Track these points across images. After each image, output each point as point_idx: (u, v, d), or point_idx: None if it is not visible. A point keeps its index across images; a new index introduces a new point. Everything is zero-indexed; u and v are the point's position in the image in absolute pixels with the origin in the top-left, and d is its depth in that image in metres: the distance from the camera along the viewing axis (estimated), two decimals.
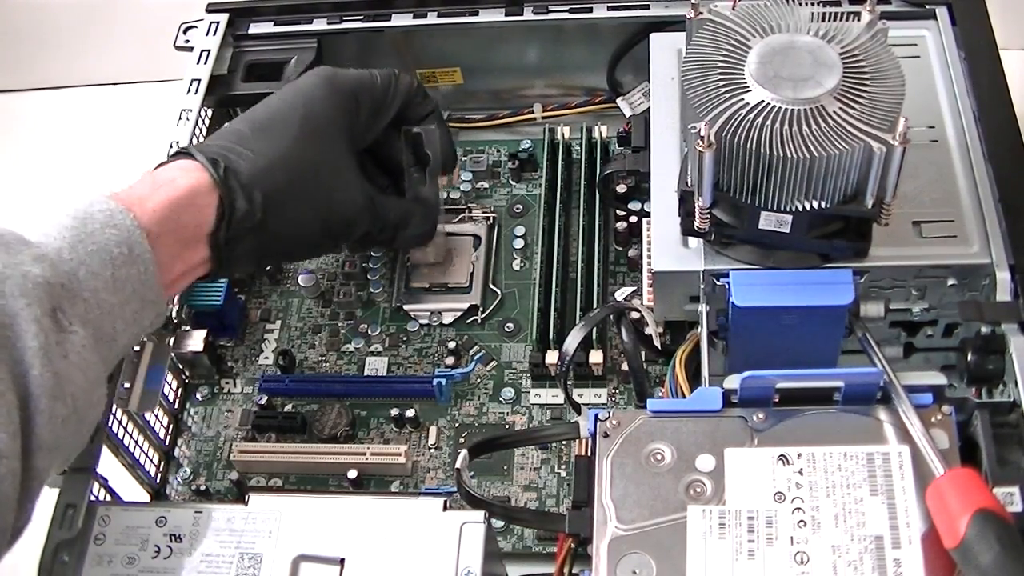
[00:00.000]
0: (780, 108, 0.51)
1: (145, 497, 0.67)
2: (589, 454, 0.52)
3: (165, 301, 0.56)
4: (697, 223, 0.55)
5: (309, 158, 0.62)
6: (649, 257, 0.64)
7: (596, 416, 0.52)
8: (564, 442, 0.66)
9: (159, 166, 0.59)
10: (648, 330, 0.63)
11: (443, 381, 0.69)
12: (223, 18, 0.78)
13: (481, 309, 0.74)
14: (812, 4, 0.55)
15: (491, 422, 0.69)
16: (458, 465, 0.54)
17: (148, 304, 0.54)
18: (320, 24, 0.78)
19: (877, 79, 0.52)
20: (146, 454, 0.67)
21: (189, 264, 0.58)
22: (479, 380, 0.71)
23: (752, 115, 0.51)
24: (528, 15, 0.76)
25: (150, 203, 0.55)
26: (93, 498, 0.56)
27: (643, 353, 0.63)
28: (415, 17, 0.77)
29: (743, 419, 0.51)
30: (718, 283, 0.57)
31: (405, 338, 0.74)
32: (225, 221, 0.58)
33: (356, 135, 0.66)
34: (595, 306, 0.70)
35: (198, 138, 0.74)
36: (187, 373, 0.74)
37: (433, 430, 0.69)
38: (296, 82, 0.66)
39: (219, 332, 0.74)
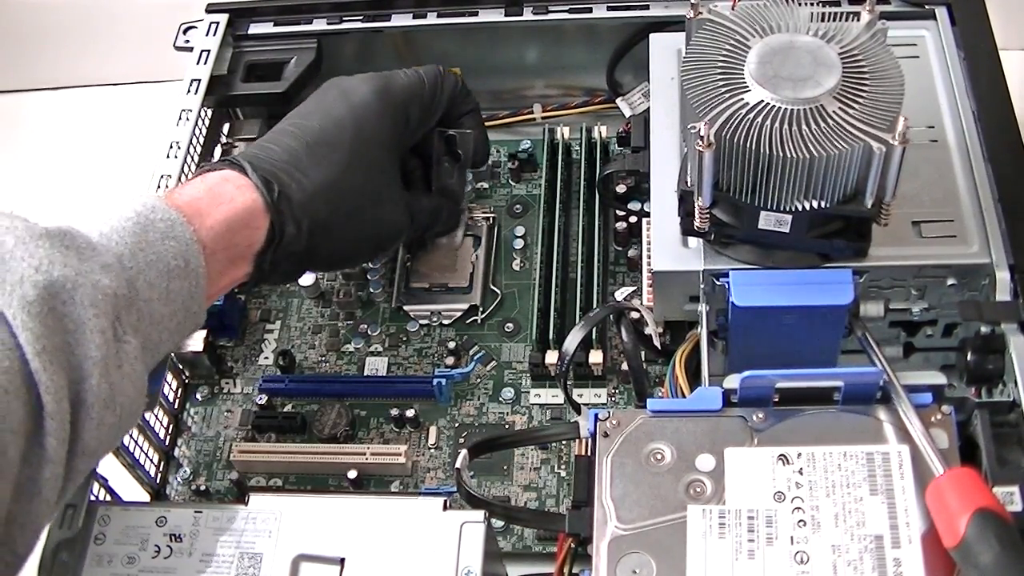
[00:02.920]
0: (780, 108, 0.51)
1: (145, 497, 0.67)
2: (589, 454, 0.52)
3: (205, 313, 0.56)
4: (697, 223, 0.55)
5: (357, 184, 0.62)
6: (649, 257, 0.64)
7: (596, 416, 0.52)
8: (564, 442, 0.66)
9: (209, 170, 0.59)
10: (648, 330, 0.63)
11: (443, 381, 0.69)
12: (223, 18, 0.78)
13: (481, 309, 0.74)
14: (812, 4, 0.55)
15: (491, 422, 0.69)
16: (458, 465, 0.54)
17: (191, 316, 0.54)
18: (320, 24, 0.78)
19: (877, 79, 0.52)
20: (146, 454, 0.67)
21: (232, 279, 0.58)
22: (479, 380, 0.71)
23: (752, 115, 0.51)
24: (528, 15, 0.76)
25: (209, 219, 0.55)
26: (93, 498, 0.56)
27: (643, 353, 0.63)
28: (415, 17, 0.77)
29: (743, 419, 0.51)
30: (718, 283, 0.57)
31: (405, 338, 0.74)
32: (274, 245, 0.58)
33: (403, 144, 0.66)
34: (595, 306, 0.70)
35: (198, 138, 0.74)
36: (187, 373, 0.74)
37: (433, 430, 0.69)
38: (349, 91, 0.64)
39: (219, 332, 0.74)
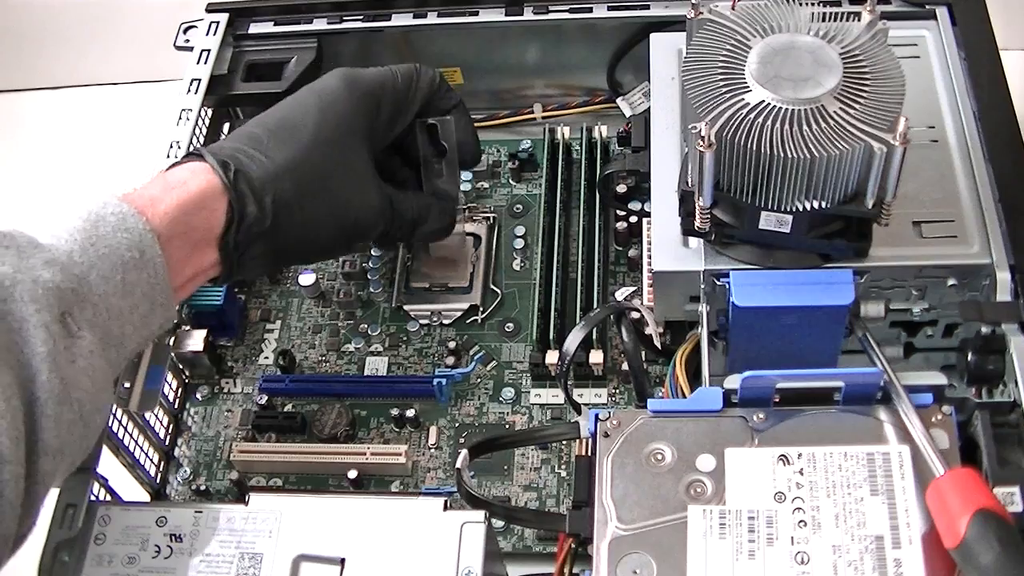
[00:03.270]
0: (780, 108, 0.51)
1: (145, 497, 0.67)
2: (589, 454, 0.52)
3: (174, 304, 0.56)
4: (697, 223, 0.55)
5: (322, 164, 0.61)
6: (649, 257, 0.64)
7: (596, 416, 0.52)
8: (564, 442, 0.66)
9: (171, 167, 0.59)
10: (648, 330, 0.63)
11: (443, 381, 0.69)
12: (223, 18, 0.78)
13: (481, 309, 0.74)
14: (812, 4, 0.55)
15: (491, 422, 0.69)
16: (458, 465, 0.54)
17: (157, 307, 0.54)
18: (320, 24, 0.78)
19: (877, 79, 0.52)
20: (146, 454, 0.67)
21: (198, 267, 0.57)
22: (479, 380, 0.71)
23: (752, 115, 0.51)
24: (528, 15, 0.76)
25: (161, 206, 0.55)
26: (93, 498, 0.56)
27: (643, 353, 0.63)
28: (415, 17, 0.77)
29: (743, 419, 0.51)
30: (718, 283, 0.57)
31: (405, 338, 0.74)
32: (235, 225, 0.57)
33: (376, 136, 0.65)
34: (595, 306, 0.70)
35: (198, 138, 0.74)
36: (187, 373, 0.74)
37: (433, 430, 0.69)
38: (314, 84, 0.65)
39: (219, 332, 0.74)
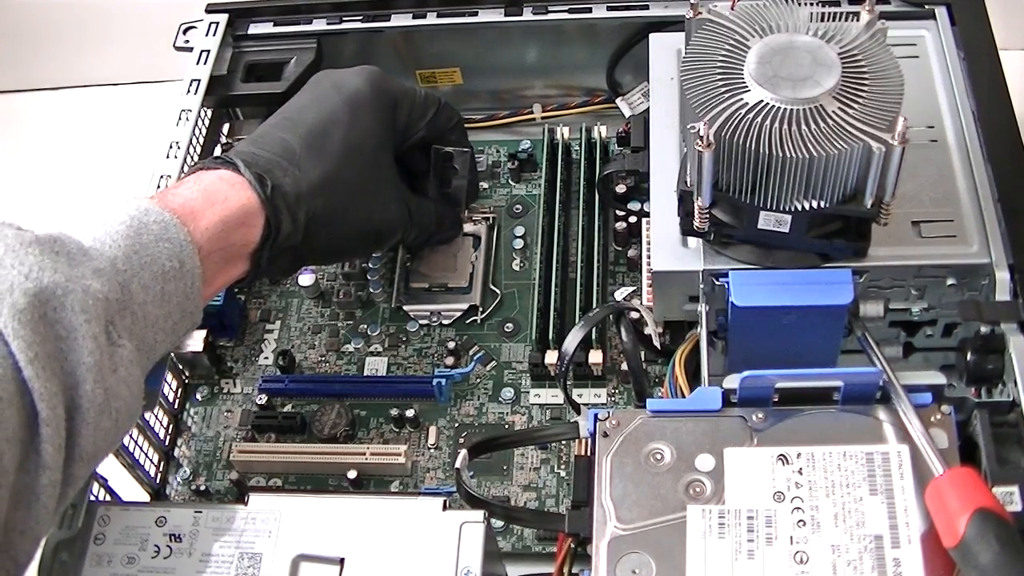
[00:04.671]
0: (779, 108, 0.51)
1: (145, 497, 0.67)
2: (589, 454, 0.52)
3: (201, 312, 0.56)
4: (696, 223, 0.55)
5: (353, 177, 0.62)
6: (649, 257, 0.64)
7: (596, 416, 0.52)
8: (564, 442, 0.66)
9: (201, 169, 0.59)
10: (648, 330, 0.63)
11: (443, 381, 0.69)
12: (223, 18, 0.78)
13: (481, 309, 0.74)
14: (811, 4, 0.55)
15: (491, 422, 0.69)
16: (458, 465, 0.54)
17: (187, 316, 0.54)
18: (320, 24, 0.78)
19: (876, 79, 0.52)
20: (146, 454, 0.67)
21: (229, 277, 0.58)
22: (479, 380, 0.71)
23: (751, 115, 0.51)
24: (528, 15, 0.76)
25: (203, 220, 0.55)
26: (93, 498, 0.56)
27: (643, 353, 0.63)
28: (415, 17, 0.77)
29: (743, 419, 0.51)
30: (717, 283, 0.57)
31: (405, 338, 0.74)
32: (270, 242, 0.58)
33: (395, 140, 0.66)
34: (595, 306, 0.70)
35: (198, 139, 0.74)
36: (187, 373, 0.74)
37: (433, 430, 0.69)
38: (341, 82, 0.65)
39: (219, 332, 0.74)
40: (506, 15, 0.76)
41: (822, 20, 0.54)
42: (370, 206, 0.64)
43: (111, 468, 0.61)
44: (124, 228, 0.52)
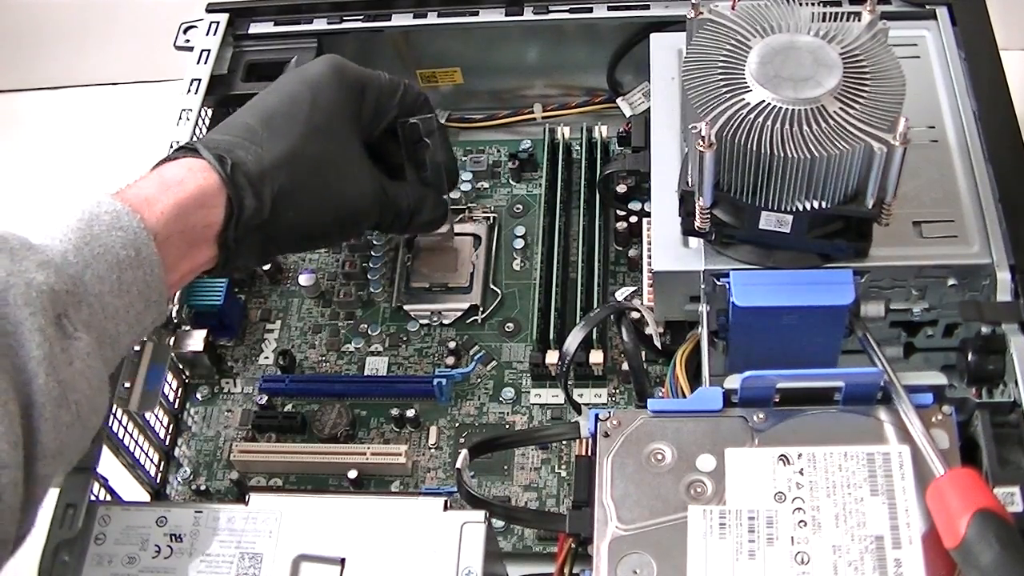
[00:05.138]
0: (780, 108, 0.51)
1: (145, 497, 0.67)
2: (589, 454, 0.52)
3: (168, 302, 0.56)
4: (697, 223, 0.55)
5: (318, 152, 0.61)
6: (649, 257, 0.64)
7: (596, 416, 0.52)
8: (564, 442, 0.66)
9: (164, 161, 0.59)
10: (648, 330, 0.63)
11: (443, 381, 0.69)
12: (223, 18, 0.78)
13: (481, 309, 0.74)
14: (812, 4, 0.55)
15: (491, 422, 0.69)
16: (458, 465, 0.54)
17: (151, 305, 0.54)
18: (320, 24, 0.78)
19: (877, 79, 0.52)
20: (146, 454, 0.67)
21: (195, 263, 0.57)
22: (479, 380, 0.71)
23: (752, 115, 0.51)
24: (528, 15, 0.76)
25: (158, 205, 0.54)
26: (93, 498, 0.56)
27: (643, 353, 0.63)
28: (415, 17, 0.77)
29: (743, 419, 0.51)
30: (718, 283, 0.57)
31: (405, 338, 0.74)
32: (234, 220, 0.57)
33: (364, 125, 0.65)
34: (595, 306, 0.70)
35: (198, 138, 0.73)
36: (187, 373, 0.74)
37: (433, 430, 0.69)
38: (303, 70, 0.65)
39: (219, 332, 0.74)
40: (506, 15, 0.76)
41: (823, 20, 0.54)
42: (339, 184, 0.63)
43: (111, 468, 0.61)
44: (75, 222, 0.51)
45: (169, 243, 0.54)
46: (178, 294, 0.70)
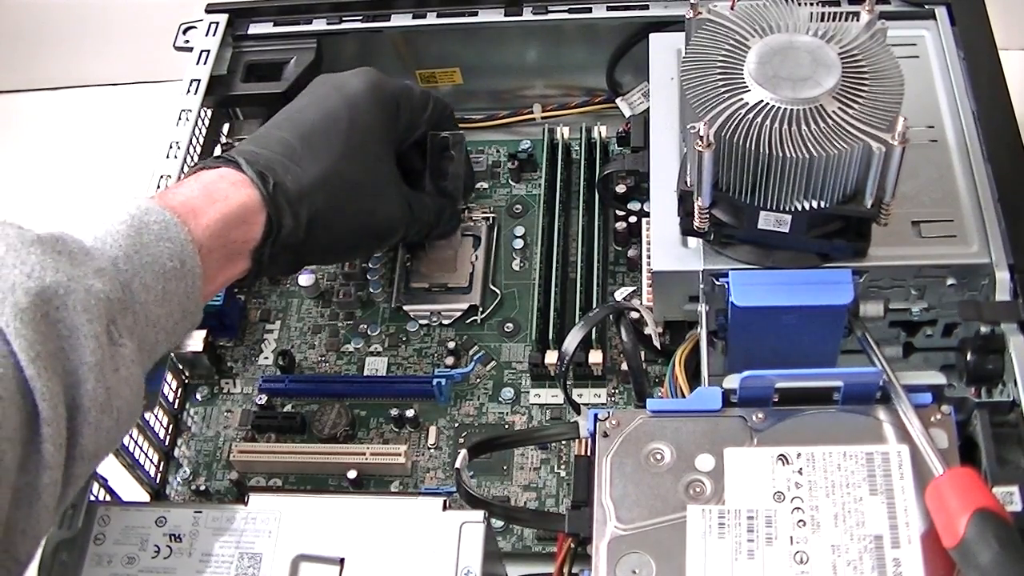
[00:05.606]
0: (779, 108, 0.51)
1: (145, 497, 0.67)
2: (589, 454, 0.52)
3: (201, 311, 0.56)
4: (696, 223, 0.55)
5: (354, 174, 0.62)
6: (649, 257, 0.64)
7: (596, 416, 0.52)
8: (564, 442, 0.66)
9: (202, 169, 0.59)
10: (648, 330, 0.63)
11: (443, 381, 0.69)
12: (223, 18, 0.78)
13: (481, 309, 0.74)
14: (811, 4, 0.55)
15: (491, 422, 0.69)
16: (458, 465, 0.54)
17: (188, 315, 0.54)
18: (320, 24, 0.78)
19: (876, 79, 0.52)
20: (146, 454, 0.67)
21: (230, 275, 0.58)
22: (479, 380, 0.71)
23: (751, 115, 0.51)
24: (528, 15, 0.76)
25: (204, 218, 0.55)
26: (93, 498, 0.56)
27: (643, 353, 0.63)
28: (415, 17, 0.77)
29: (743, 419, 0.51)
30: (717, 283, 0.57)
31: (405, 338, 0.74)
32: (272, 239, 0.58)
33: (396, 139, 0.67)
34: (595, 306, 0.70)
35: (198, 139, 0.74)
36: (187, 373, 0.74)
37: (433, 430, 0.69)
38: (341, 84, 0.65)
39: (219, 332, 0.74)
40: (506, 15, 0.76)
41: (822, 20, 0.54)
42: (372, 204, 0.64)
43: (111, 468, 0.61)
44: (125, 228, 0.52)
45: (211, 257, 0.55)
46: None
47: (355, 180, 0.62)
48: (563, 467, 0.67)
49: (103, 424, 0.48)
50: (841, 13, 0.54)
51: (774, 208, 0.53)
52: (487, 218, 0.77)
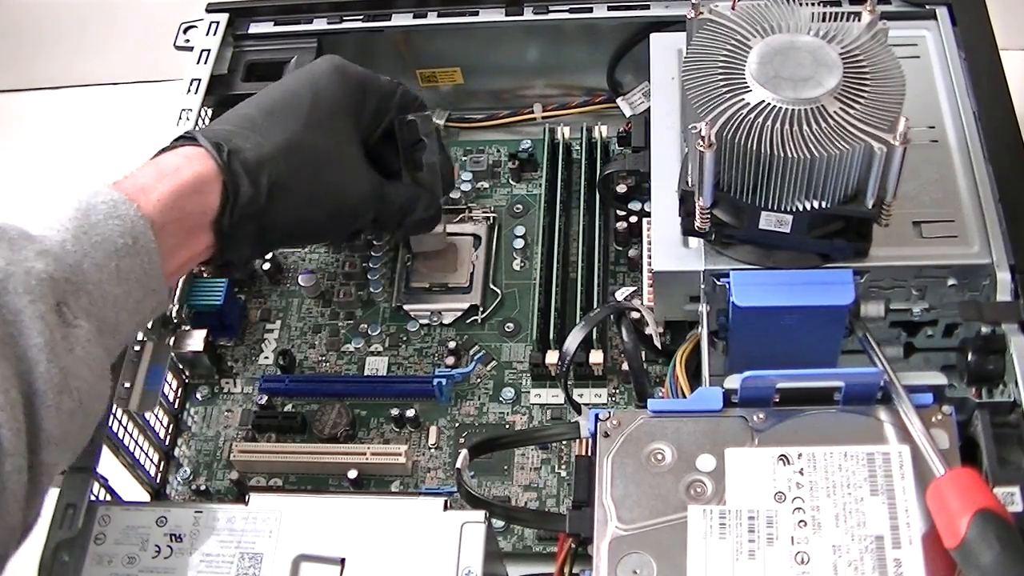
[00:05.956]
0: (780, 108, 0.51)
1: (145, 497, 0.67)
2: (589, 454, 0.52)
3: (167, 289, 0.56)
4: (697, 223, 0.55)
5: (316, 144, 0.62)
6: (649, 257, 0.64)
7: (596, 416, 0.52)
8: (564, 442, 0.66)
9: (162, 152, 0.59)
10: (648, 330, 0.63)
11: (443, 381, 0.69)
12: (223, 18, 0.78)
13: (481, 309, 0.74)
14: (812, 4, 0.55)
15: (491, 422, 0.69)
16: (458, 465, 0.54)
17: (150, 293, 0.54)
18: (320, 24, 0.78)
19: (877, 79, 0.52)
20: (146, 454, 0.67)
21: (193, 251, 0.58)
22: (479, 380, 0.71)
23: (752, 115, 0.51)
24: (528, 15, 0.76)
25: (154, 193, 0.55)
26: (93, 498, 0.56)
27: (643, 353, 0.63)
28: (415, 17, 0.77)
29: (743, 419, 0.51)
30: (718, 283, 0.57)
31: (405, 338, 0.74)
32: (229, 207, 0.58)
33: (363, 125, 0.66)
34: (595, 306, 0.70)
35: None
36: (187, 373, 0.74)
37: (433, 430, 0.69)
38: (306, 68, 0.66)
39: (219, 332, 0.74)
40: (506, 15, 0.76)
41: (823, 20, 0.54)
42: (336, 178, 0.63)
43: (111, 468, 0.61)
44: (71, 211, 0.52)
45: (166, 231, 0.55)
46: (178, 294, 0.70)
47: (318, 152, 0.62)
48: (564, 467, 0.67)
49: (63, 406, 0.48)
50: (842, 13, 0.54)
51: (775, 208, 0.53)
52: (487, 218, 0.77)
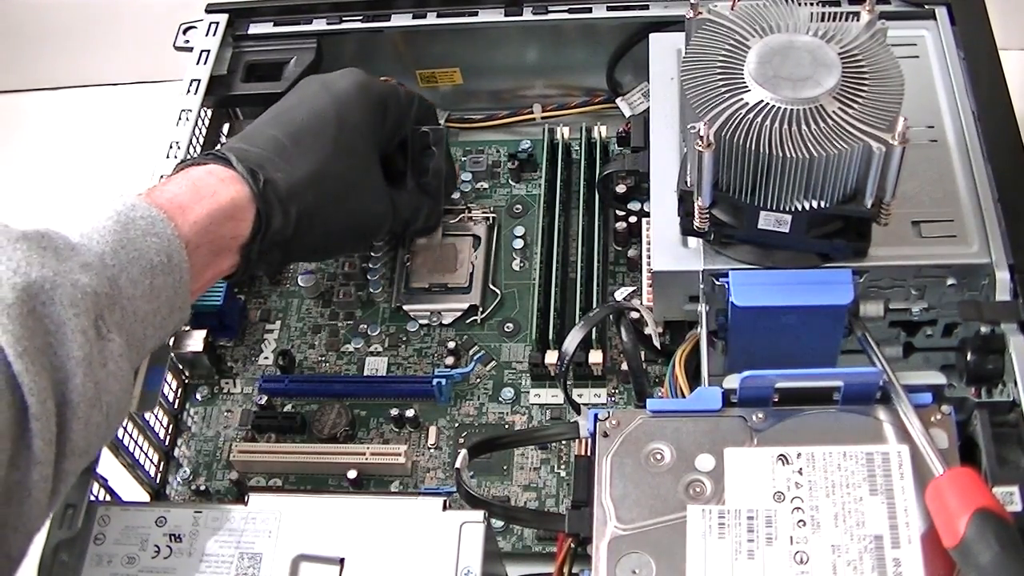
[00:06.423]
0: (779, 108, 0.51)
1: (145, 497, 0.67)
2: (589, 454, 0.52)
3: (190, 307, 0.56)
4: (696, 223, 0.55)
5: (343, 173, 0.63)
6: (649, 257, 0.64)
7: (596, 416, 0.52)
8: (564, 442, 0.66)
9: (192, 165, 0.59)
10: (648, 330, 0.63)
11: (443, 381, 0.69)
12: (223, 18, 0.78)
13: (481, 309, 0.74)
14: (811, 4, 0.55)
15: (491, 422, 0.69)
16: (458, 465, 0.54)
17: (176, 311, 0.55)
18: (320, 24, 0.78)
19: (876, 79, 0.52)
20: (146, 454, 0.67)
21: (217, 271, 0.58)
22: (479, 380, 0.71)
23: (751, 115, 0.51)
24: (528, 15, 0.76)
25: (191, 214, 0.55)
26: (93, 498, 0.56)
27: (643, 353, 0.63)
28: (415, 17, 0.77)
29: (743, 419, 0.51)
30: (717, 283, 0.57)
31: (405, 338, 0.74)
32: (260, 235, 0.58)
33: (382, 139, 0.67)
34: (595, 306, 0.70)
35: (198, 139, 0.74)
36: (187, 373, 0.74)
37: (433, 430, 0.69)
38: (330, 84, 0.66)
39: (219, 332, 0.74)
40: (506, 15, 0.76)
41: (822, 20, 0.54)
42: (359, 203, 0.64)
43: (111, 468, 0.61)
44: (111, 224, 0.52)
45: (198, 252, 0.55)
46: None
47: (344, 179, 0.63)
48: (563, 467, 0.67)
49: (92, 419, 0.48)
50: (841, 13, 0.54)
51: (774, 208, 0.53)
52: (487, 218, 0.77)
